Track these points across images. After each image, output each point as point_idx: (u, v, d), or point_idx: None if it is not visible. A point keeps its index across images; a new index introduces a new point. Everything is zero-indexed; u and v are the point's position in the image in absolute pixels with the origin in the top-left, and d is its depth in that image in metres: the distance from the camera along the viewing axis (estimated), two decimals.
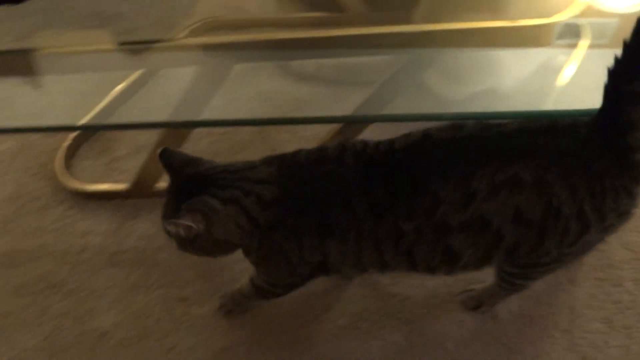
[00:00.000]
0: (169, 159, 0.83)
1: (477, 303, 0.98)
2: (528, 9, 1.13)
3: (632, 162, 0.71)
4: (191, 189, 0.79)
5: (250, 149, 1.34)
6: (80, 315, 1.06)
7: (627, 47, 0.67)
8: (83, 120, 1.25)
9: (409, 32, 1.16)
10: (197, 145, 1.36)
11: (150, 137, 1.39)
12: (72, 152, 1.39)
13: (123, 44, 1.34)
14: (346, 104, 1.13)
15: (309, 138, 1.30)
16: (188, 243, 0.79)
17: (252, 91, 1.33)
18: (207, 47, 1.34)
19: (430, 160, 0.74)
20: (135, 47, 1.36)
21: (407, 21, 1.24)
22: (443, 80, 1.07)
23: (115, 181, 1.29)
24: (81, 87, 1.31)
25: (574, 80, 0.99)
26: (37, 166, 1.37)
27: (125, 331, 1.02)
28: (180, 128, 1.25)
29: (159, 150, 0.83)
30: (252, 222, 0.79)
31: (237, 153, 1.33)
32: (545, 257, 0.78)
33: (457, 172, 0.72)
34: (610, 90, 0.70)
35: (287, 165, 0.81)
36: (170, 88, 1.32)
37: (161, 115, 1.21)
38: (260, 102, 1.33)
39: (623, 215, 0.75)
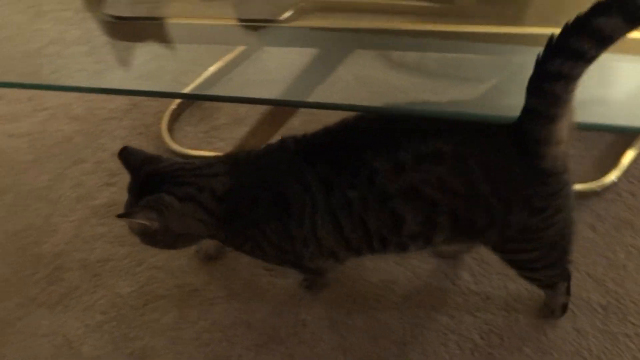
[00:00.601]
0: (128, 157, 0.88)
1: (548, 310, 0.98)
2: None
3: (538, 168, 0.74)
4: (149, 186, 0.83)
5: None
6: (173, 270, 1.13)
7: (536, 64, 0.68)
8: (187, 89, 1.31)
9: (520, 34, 1.14)
10: (290, 124, 1.40)
11: (250, 110, 1.45)
12: (175, 116, 1.47)
13: (237, 19, 1.39)
14: (446, 99, 1.13)
15: None
16: (148, 238, 0.84)
17: (349, 75, 1.35)
18: (312, 29, 1.37)
19: (364, 135, 0.81)
20: (243, 23, 1.40)
21: (520, 20, 1.21)
22: None
23: (214, 149, 1.36)
24: (190, 56, 1.38)
25: None
26: (143, 126, 1.46)
27: (213, 290, 1.09)
28: (279, 106, 1.29)
29: (120, 149, 0.89)
30: (211, 215, 0.84)
31: None
32: (484, 237, 0.82)
33: (387, 145, 0.78)
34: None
35: (239, 161, 0.87)
36: (272, 66, 1.36)
37: (261, 91, 1.25)
38: (358, 87, 1.34)
39: (551, 197, 0.77)
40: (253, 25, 1.39)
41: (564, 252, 0.86)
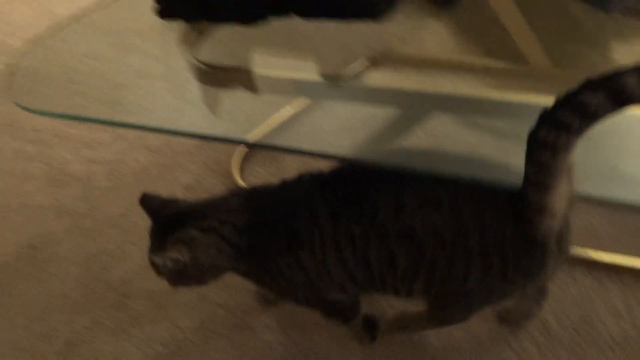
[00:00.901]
0: (148, 202, 0.93)
1: (405, 327, 1.04)
2: None
3: (529, 235, 0.76)
4: (172, 226, 0.87)
5: None
6: (234, 309, 1.15)
7: (529, 132, 0.70)
8: (254, 134, 1.34)
9: None
10: None
11: (319, 158, 1.48)
12: (247, 155, 1.52)
13: (312, 71, 1.43)
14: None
15: None
16: (178, 275, 0.86)
17: (420, 130, 1.36)
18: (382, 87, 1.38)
19: (373, 173, 0.84)
20: (317, 77, 1.42)
21: None
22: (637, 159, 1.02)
23: None
24: (263, 103, 1.42)
25: None
26: (215, 163, 1.51)
27: (272, 335, 1.10)
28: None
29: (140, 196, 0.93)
30: (233, 247, 0.87)
31: None
32: (451, 285, 0.83)
33: (392, 186, 0.82)
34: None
35: (254, 195, 0.92)
36: (339, 120, 1.39)
37: (325, 144, 1.28)
38: (429, 144, 1.35)
39: (527, 276, 0.80)
40: (326, 79, 1.41)
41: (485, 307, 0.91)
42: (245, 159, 1.52)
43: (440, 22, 1.68)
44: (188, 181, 1.47)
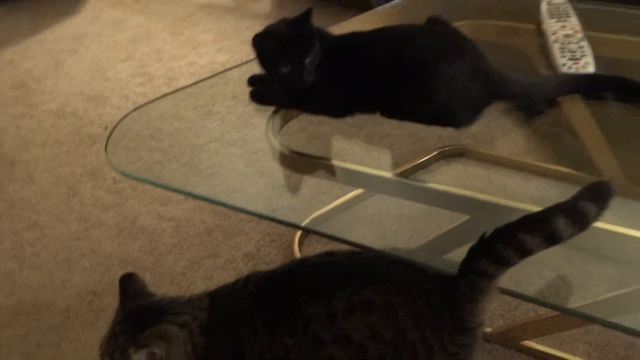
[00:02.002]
0: (127, 284, 0.93)
1: None
2: None
3: (463, 320, 0.81)
4: (144, 318, 0.87)
5: None
6: None
7: (468, 252, 0.75)
8: (313, 214, 1.36)
9: None
10: None
11: None
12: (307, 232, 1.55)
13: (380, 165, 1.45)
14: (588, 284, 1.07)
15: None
16: None
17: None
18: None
19: (303, 281, 0.88)
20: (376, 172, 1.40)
21: None
22: None
23: None
24: (324, 183, 1.45)
25: None
26: (276, 234, 1.55)
27: None
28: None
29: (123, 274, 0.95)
30: (193, 349, 0.86)
31: None
32: None
33: (322, 293, 0.84)
34: None
35: (215, 296, 0.93)
36: (402, 207, 1.40)
37: (379, 230, 1.29)
38: None
39: (465, 346, 0.83)
40: (395, 176, 1.40)
41: None
42: (307, 235, 1.56)
43: (513, 123, 1.70)
44: (249, 249, 1.51)
